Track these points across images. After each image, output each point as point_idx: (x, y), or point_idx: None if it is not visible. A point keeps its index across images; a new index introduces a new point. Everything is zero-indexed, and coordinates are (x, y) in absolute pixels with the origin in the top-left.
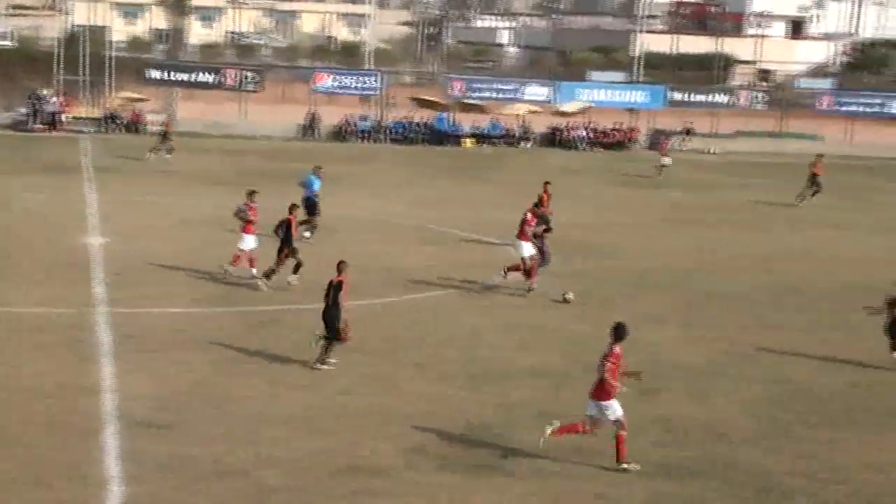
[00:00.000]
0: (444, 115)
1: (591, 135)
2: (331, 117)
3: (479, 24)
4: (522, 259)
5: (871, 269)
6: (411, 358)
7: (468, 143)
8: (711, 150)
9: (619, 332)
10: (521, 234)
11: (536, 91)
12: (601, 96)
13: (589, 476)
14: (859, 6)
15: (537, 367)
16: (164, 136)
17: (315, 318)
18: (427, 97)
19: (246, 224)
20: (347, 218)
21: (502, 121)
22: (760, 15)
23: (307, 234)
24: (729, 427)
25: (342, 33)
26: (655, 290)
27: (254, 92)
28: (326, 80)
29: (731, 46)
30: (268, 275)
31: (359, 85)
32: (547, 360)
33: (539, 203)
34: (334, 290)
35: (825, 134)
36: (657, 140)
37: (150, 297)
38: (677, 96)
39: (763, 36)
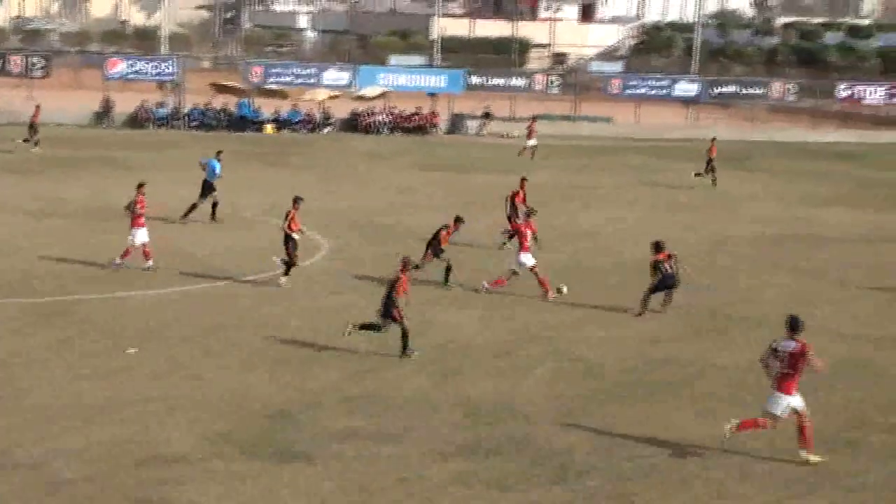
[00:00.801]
0: (247, 101)
1: (393, 119)
2: (127, 104)
3: (277, 8)
4: (513, 270)
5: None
6: (214, 345)
7: (269, 129)
8: (510, 135)
9: (796, 325)
10: (523, 246)
11: (336, 75)
12: (401, 81)
13: (392, 460)
14: None
15: (341, 352)
16: (31, 126)
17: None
18: (226, 83)
19: (135, 217)
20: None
21: (303, 107)
22: None
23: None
24: (526, 406)
25: (136, 17)
26: (455, 270)
27: (41, 78)
28: (120, 66)
29: (527, 30)
30: (286, 272)
31: (155, 71)
32: (350, 345)
33: (513, 200)
34: (390, 285)
35: (616, 116)
36: (458, 124)
37: None
38: (476, 80)
39: (556, 20)
